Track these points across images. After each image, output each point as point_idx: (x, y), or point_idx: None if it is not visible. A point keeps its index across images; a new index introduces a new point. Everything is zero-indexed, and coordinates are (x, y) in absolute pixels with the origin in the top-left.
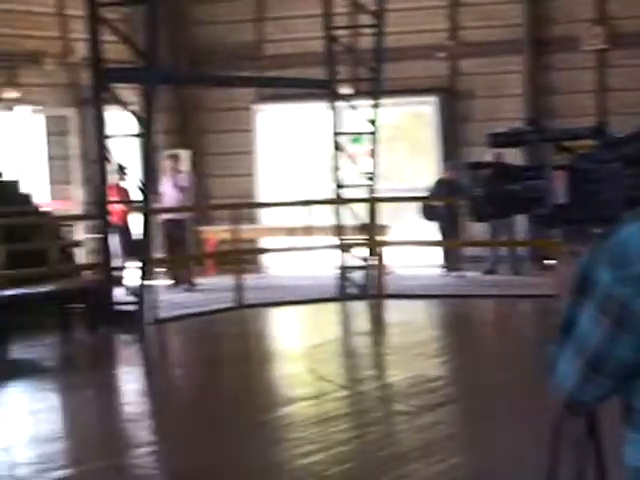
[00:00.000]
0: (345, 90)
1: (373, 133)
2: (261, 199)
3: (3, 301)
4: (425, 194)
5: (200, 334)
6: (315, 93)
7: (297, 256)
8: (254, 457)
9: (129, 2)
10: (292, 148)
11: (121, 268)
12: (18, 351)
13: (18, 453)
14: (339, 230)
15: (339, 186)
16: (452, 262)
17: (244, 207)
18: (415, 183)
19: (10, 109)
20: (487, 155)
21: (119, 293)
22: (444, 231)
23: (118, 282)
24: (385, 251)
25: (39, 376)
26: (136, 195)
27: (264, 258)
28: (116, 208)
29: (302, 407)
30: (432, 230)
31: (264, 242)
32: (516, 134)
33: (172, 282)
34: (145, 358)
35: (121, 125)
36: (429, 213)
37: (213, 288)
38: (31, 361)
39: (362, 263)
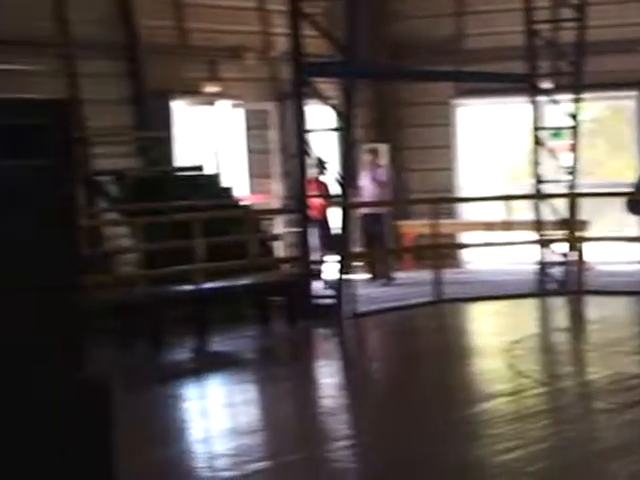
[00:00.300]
0: (545, 84)
1: (574, 127)
2: (460, 194)
3: (203, 294)
4: (628, 189)
5: (398, 328)
6: (515, 87)
7: (496, 251)
8: (452, 453)
9: None
10: (492, 142)
11: (320, 262)
12: (218, 343)
13: (216, 445)
14: (539, 225)
15: (539, 181)
16: None
17: (443, 202)
18: (616, 178)
19: (211, 103)
20: None
21: (318, 287)
22: None
23: (317, 276)
24: (585, 247)
25: (238, 368)
26: (335, 189)
27: (463, 253)
28: (315, 202)
29: (501, 403)
30: (634, 226)
31: (463, 237)
32: None
33: (370, 276)
34: (343, 352)
35: (321, 119)
36: (634, 207)
37: (411, 282)
38: (230, 353)
39: (562, 259)
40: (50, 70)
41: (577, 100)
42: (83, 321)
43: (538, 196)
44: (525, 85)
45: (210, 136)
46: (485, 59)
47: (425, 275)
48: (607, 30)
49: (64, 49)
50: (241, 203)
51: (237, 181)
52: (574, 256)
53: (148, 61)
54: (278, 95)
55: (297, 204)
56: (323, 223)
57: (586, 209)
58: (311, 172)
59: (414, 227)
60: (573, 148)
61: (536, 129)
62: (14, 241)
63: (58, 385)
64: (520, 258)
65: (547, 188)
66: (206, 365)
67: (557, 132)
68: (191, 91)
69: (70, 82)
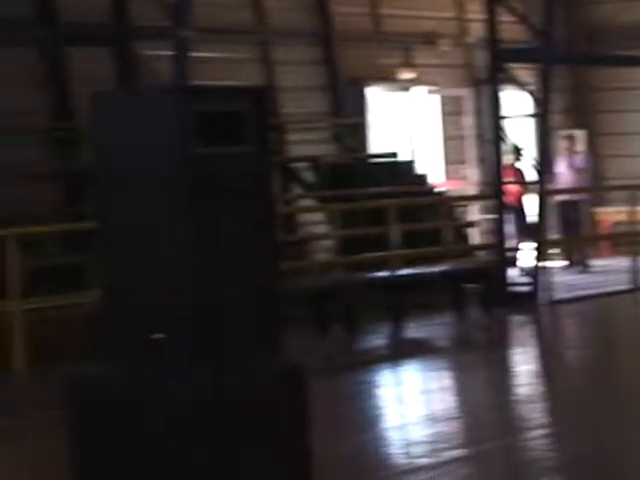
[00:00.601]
0: None
1: None
2: None
3: (398, 280)
4: None
5: (595, 316)
6: None
7: None
8: None
9: None
10: None
11: (515, 249)
12: (412, 330)
13: (412, 432)
14: None
15: None
16: None
17: None
18: None
19: (406, 89)
20: None
21: (513, 274)
22: None
23: (512, 263)
24: None
25: (433, 355)
26: (531, 176)
27: None
28: (511, 188)
29: None
30: None
31: None
32: None
33: (566, 263)
34: (539, 339)
35: (516, 105)
36: None
37: (608, 270)
38: (425, 340)
39: None
40: (248, 58)
41: None
42: (280, 308)
43: None
44: None
45: (405, 123)
46: None
47: (622, 262)
48: None
49: (261, 37)
50: (436, 190)
51: (432, 167)
52: None
53: (343, 48)
54: (473, 81)
55: (493, 191)
56: (519, 210)
57: None
58: (507, 158)
59: (611, 214)
60: None
61: None
62: (219, 229)
63: (254, 372)
64: None
65: None
66: (401, 351)
67: None
68: (386, 77)
69: (267, 69)
